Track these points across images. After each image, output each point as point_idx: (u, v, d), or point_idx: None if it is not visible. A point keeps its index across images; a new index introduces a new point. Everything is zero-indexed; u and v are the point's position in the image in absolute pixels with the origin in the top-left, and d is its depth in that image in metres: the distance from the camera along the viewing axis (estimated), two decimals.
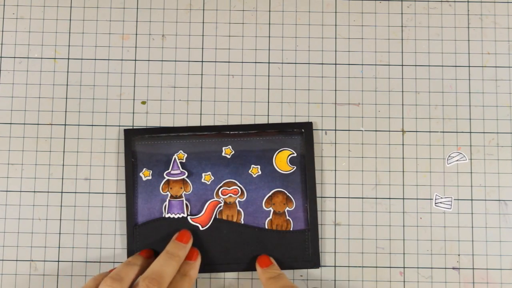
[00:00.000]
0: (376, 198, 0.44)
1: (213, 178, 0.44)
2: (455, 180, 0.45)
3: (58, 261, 0.44)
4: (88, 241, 0.44)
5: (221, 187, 0.44)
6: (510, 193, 0.45)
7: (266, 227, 0.44)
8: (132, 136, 0.44)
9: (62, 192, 0.45)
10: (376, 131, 0.45)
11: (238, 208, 0.44)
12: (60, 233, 0.44)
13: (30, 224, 0.44)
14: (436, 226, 0.44)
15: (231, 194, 0.44)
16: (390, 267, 0.44)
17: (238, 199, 0.44)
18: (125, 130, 0.44)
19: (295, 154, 0.44)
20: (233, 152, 0.44)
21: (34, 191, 0.45)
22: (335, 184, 0.45)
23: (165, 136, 0.44)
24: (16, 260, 0.44)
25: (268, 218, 0.44)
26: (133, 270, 0.39)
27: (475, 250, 0.44)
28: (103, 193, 0.45)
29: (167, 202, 0.44)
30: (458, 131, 0.45)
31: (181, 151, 0.44)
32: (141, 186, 0.44)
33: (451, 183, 0.45)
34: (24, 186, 0.45)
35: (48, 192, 0.45)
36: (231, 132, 0.45)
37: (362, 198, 0.44)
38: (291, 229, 0.44)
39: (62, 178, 0.45)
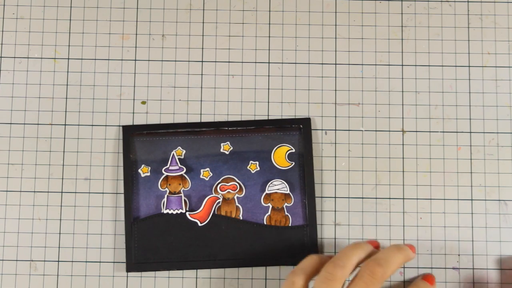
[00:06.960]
0: (376, 198, 0.44)
1: (211, 174, 0.44)
2: (455, 180, 0.45)
3: (58, 261, 0.44)
4: (88, 241, 0.44)
5: (219, 183, 0.44)
6: (510, 193, 0.45)
7: (265, 223, 0.44)
8: (130, 132, 0.44)
9: (62, 192, 0.45)
10: (376, 131, 0.45)
11: (237, 204, 0.44)
12: (60, 233, 0.44)
13: (30, 224, 0.44)
14: (436, 226, 0.44)
15: (230, 190, 0.44)
16: None
17: (237, 195, 0.44)
18: (123, 126, 0.45)
19: (294, 150, 0.44)
20: (232, 148, 0.44)
21: (34, 191, 0.45)
22: (335, 184, 0.45)
23: (164, 133, 0.44)
24: (16, 260, 0.44)
25: (267, 214, 0.44)
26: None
27: (475, 250, 0.44)
28: (103, 193, 0.45)
29: (165, 198, 0.44)
30: (458, 131, 0.45)
31: (179, 147, 0.44)
32: (139, 182, 0.44)
33: (451, 183, 0.45)
34: (24, 186, 0.45)
35: (48, 192, 0.45)
36: (229, 129, 0.45)
37: (362, 198, 0.44)
38: (290, 225, 0.44)
39: (62, 178, 0.45)
